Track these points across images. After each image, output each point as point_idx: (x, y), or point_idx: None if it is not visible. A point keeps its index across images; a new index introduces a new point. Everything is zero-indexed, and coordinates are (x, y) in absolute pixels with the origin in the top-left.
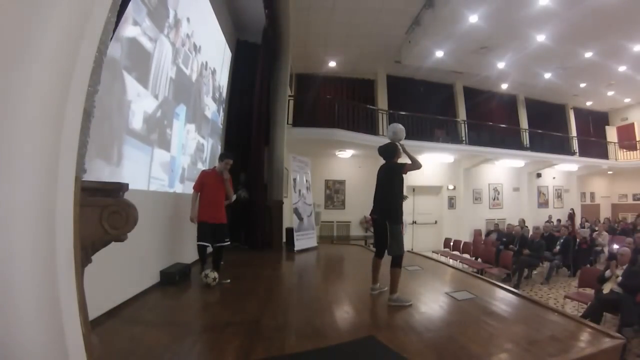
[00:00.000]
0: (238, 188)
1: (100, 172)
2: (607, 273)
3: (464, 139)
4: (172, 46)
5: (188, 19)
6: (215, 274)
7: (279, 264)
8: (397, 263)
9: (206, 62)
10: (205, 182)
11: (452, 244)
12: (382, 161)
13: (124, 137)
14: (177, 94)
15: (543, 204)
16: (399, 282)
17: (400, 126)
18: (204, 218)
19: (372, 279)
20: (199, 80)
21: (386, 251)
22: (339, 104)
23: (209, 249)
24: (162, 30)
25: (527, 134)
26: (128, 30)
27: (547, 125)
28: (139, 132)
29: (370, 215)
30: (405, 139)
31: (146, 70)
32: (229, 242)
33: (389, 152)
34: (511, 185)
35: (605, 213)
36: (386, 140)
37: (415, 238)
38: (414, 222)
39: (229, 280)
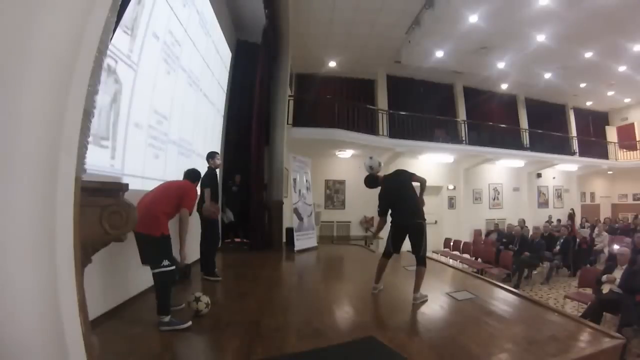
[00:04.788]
0: (232, 189)
1: None
2: (604, 278)
3: (464, 139)
4: None
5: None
6: (206, 299)
7: (279, 264)
8: (423, 262)
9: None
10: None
11: (452, 244)
12: None
13: None
14: None
15: (543, 204)
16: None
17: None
18: (168, 231)
19: (376, 278)
20: None
21: (416, 252)
22: (339, 104)
23: None
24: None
25: (527, 134)
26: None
27: (547, 125)
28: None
29: (404, 226)
30: (406, 139)
31: None
32: None
33: (372, 181)
34: (511, 185)
35: (605, 213)
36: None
37: None
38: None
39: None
